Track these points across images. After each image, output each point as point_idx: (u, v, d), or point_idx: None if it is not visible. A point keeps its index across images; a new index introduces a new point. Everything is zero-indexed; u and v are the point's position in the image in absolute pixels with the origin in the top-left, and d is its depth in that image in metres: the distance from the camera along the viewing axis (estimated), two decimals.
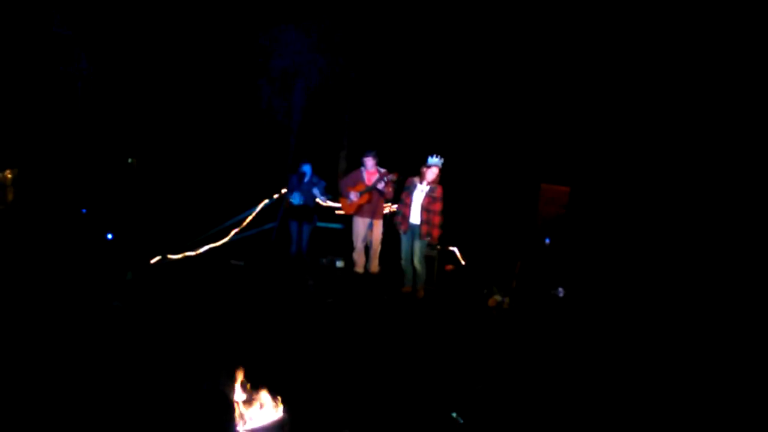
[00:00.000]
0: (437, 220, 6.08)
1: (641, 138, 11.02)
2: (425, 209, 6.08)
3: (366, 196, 6.87)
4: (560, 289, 6.77)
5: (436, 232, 6.11)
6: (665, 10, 10.51)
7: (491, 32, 12.33)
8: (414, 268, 6.28)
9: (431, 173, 6.07)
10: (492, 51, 12.52)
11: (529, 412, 3.77)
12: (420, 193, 6.14)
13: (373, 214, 6.97)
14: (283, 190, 7.33)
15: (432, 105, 13.12)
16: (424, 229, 6.06)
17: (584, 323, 5.83)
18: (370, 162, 6.94)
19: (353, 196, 6.88)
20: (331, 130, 13.41)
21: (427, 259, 6.65)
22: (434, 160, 6.07)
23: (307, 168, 7.19)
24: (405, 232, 6.31)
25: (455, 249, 7.94)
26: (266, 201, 8.74)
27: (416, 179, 6.20)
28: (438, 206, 6.07)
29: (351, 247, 7.22)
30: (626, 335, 5.49)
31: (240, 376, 3.16)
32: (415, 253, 6.18)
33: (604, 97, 11.60)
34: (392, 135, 12.29)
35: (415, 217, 6.18)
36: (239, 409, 3.00)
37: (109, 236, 7.91)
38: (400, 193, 6.46)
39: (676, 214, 9.93)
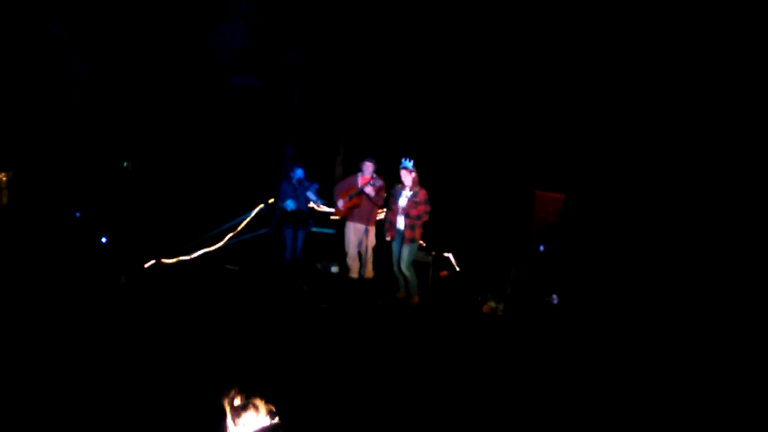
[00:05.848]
0: (420, 223, 6.11)
1: (635, 145, 11.09)
2: (408, 214, 6.09)
3: (355, 200, 6.85)
4: (554, 296, 6.79)
5: (418, 233, 6.13)
6: (657, 18, 10.61)
7: (488, 40, 12.41)
8: (404, 275, 6.28)
9: (403, 177, 6.10)
10: (488, 59, 12.60)
11: (523, 418, 3.78)
12: (404, 198, 6.16)
13: (367, 220, 6.97)
14: (277, 195, 7.33)
15: (428, 112, 13.17)
16: (408, 234, 6.07)
17: (578, 330, 5.84)
18: (368, 168, 6.94)
19: (340, 203, 6.90)
20: (328, 136, 13.44)
21: (421, 265, 6.66)
22: (405, 164, 6.08)
23: (300, 171, 7.19)
24: (392, 239, 6.32)
25: (450, 255, 7.96)
26: (261, 206, 8.74)
27: (399, 186, 6.22)
28: (422, 209, 6.08)
29: (345, 253, 7.22)
30: (620, 342, 5.50)
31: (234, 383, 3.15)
32: (403, 259, 6.18)
33: (599, 105, 11.68)
34: (388, 141, 12.32)
35: (401, 223, 6.20)
36: (232, 414, 2.99)
37: (104, 240, 7.88)
38: (388, 200, 6.48)
39: (670, 220, 9.98)
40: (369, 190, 6.67)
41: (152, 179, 13.40)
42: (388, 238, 6.36)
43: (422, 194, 6.09)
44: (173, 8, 12.55)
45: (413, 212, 6.05)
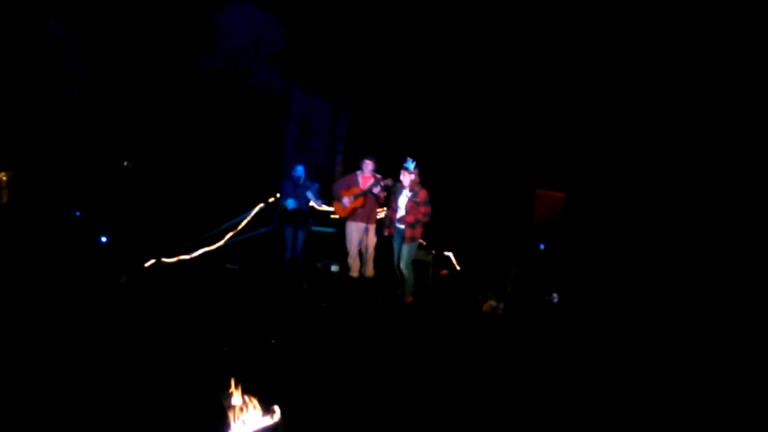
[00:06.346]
0: (420, 223, 6.11)
1: (636, 144, 11.08)
2: (408, 213, 6.09)
3: (360, 200, 6.87)
4: (555, 295, 6.79)
5: (419, 232, 6.13)
6: (657, 17, 10.58)
7: (488, 38, 12.39)
8: (402, 273, 6.29)
9: (404, 178, 6.10)
10: (488, 56, 12.58)
11: (524, 417, 3.77)
12: (405, 197, 6.15)
13: (368, 219, 6.98)
14: (277, 195, 7.32)
15: (428, 110, 13.15)
16: (408, 233, 6.08)
17: (579, 329, 5.84)
18: (369, 167, 6.94)
19: (346, 200, 6.89)
20: (327, 134, 13.40)
21: (421, 264, 6.65)
22: (406, 165, 6.08)
23: (300, 170, 7.20)
24: (392, 236, 6.33)
25: (450, 254, 7.95)
26: (261, 205, 8.73)
27: (399, 184, 6.23)
28: (422, 209, 6.07)
29: (346, 252, 7.21)
30: (621, 341, 5.50)
31: (234, 382, 3.15)
32: (402, 257, 6.19)
33: (600, 103, 11.66)
34: (388, 140, 12.30)
35: (400, 222, 6.20)
36: (233, 414, 2.99)
37: (104, 239, 7.88)
38: (389, 198, 6.48)
39: (671, 220, 9.97)
40: (377, 191, 6.68)
41: (152, 178, 13.39)
42: (385, 233, 6.36)
43: (423, 194, 6.09)
44: (174, 6, 12.52)
45: (409, 218, 6.06)
